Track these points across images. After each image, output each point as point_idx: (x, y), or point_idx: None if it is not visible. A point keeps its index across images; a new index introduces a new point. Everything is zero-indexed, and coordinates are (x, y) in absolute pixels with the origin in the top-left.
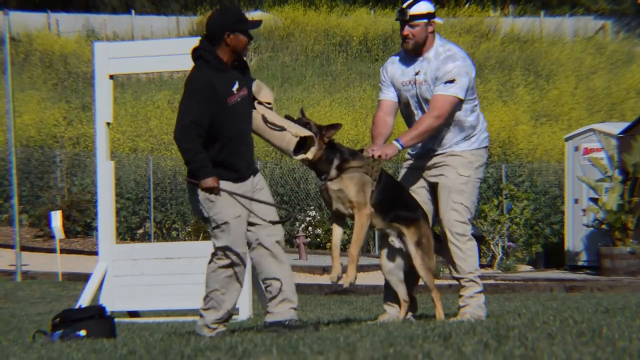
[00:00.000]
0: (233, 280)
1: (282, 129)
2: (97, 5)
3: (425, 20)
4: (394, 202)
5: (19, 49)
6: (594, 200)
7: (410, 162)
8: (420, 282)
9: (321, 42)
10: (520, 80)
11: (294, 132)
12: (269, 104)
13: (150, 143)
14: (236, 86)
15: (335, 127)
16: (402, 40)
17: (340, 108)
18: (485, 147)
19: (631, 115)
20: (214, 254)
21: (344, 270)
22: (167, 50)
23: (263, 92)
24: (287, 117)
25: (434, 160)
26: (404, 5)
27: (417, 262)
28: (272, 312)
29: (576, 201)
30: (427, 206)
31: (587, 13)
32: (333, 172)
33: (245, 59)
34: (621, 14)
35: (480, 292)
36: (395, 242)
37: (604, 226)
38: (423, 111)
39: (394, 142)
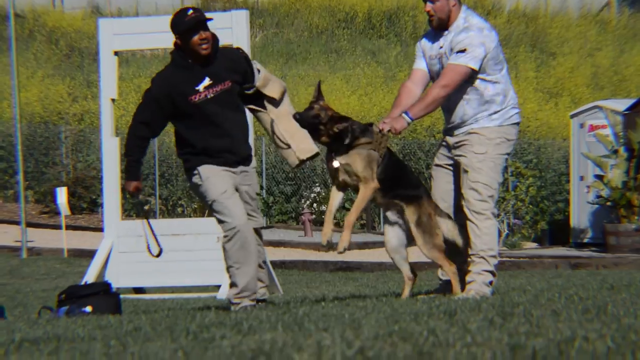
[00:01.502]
0: (244, 254)
1: (288, 146)
2: None
3: None
4: (396, 179)
5: (23, 25)
6: (600, 177)
7: (444, 139)
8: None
9: (325, 18)
10: (526, 57)
11: (298, 154)
12: (274, 99)
13: None
14: (204, 83)
15: (346, 120)
16: (427, 17)
17: (344, 84)
18: (513, 124)
19: (637, 92)
20: (223, 234)
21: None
22: None
23: (269, 85)
24: (296, 118)
25: (457, 138)
26: None
27: (419, 241)
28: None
29: (582, 178)
30: (450, 186)
31: None
32: (343, 149)
33: (244, 51)
34: None
35: (488, 270)
36: (391, 215)
37: (609, 203)
38: None
39: (403, 114)
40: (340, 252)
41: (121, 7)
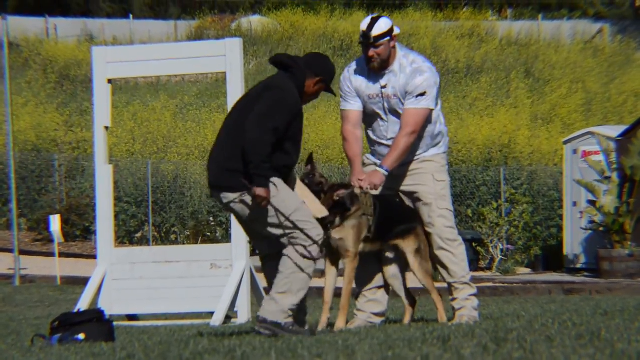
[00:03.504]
0: (312, 265)
1: (303, 205)
2: (95, 10)
3: (388, 38)
4: (391, 221)
5: (17, 54)
6: (592, 203)
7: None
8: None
9: (320, 46)
10: (518, 83)
11: (314, 212)
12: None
13: (149, 147)
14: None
15: (347, 187)
16: (366, 62)
17: (338, 111)
18: (447, 151)
19: (629, 118)
20: (299, 260)
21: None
22: (165, 54)
23: None
24: (304, 181)
25: (408, 167)
26: (364, 28)
27: (416, 267)
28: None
29: (575, 204)
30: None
31: (584, 16)
32: (337, 222)
33: None
34: (619, 18)
35: (474, 294)
36: (390, 255)
37: (602, 229)
38: (395, 119)
39: (379, 169)
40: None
41: (115, 35)
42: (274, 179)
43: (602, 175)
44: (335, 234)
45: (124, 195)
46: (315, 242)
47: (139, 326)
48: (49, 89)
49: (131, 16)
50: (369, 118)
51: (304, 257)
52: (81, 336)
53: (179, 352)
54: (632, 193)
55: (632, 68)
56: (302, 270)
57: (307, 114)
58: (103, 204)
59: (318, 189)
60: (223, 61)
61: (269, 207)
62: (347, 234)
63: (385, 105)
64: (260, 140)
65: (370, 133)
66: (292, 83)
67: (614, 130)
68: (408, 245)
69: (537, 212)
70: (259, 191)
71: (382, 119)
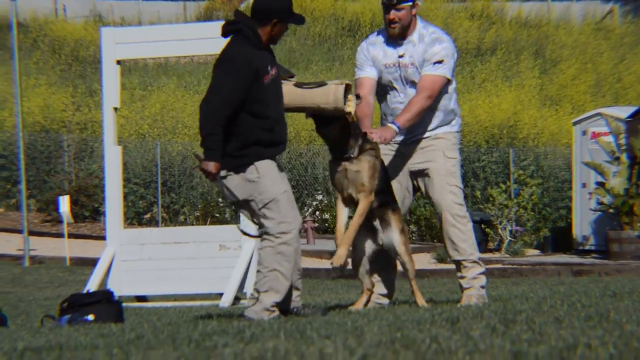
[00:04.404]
0: (291, 259)
1: (323, 83)
2: None
3: (410, 3)
4: (385, 187)
5: (26, 34)
6: (602, 185)
7: (395, 147)
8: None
9: (329, 27)
10: (528, 64)
11: (336, 83)
12: (292, 75)
13: (157, 128)
14: (270, 66)
15: (357, 97)
16: (387, 25)
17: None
18: (460, 131)
19: (638, 99)
20: (269, 235)
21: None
22: (174, 35)
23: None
24: (297, 85)
25: (419, 145)
26: None
27: (402, 248)
28: None
29: (584, 185)
30: (406, 193)
31: None
32: (356, 152)
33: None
34: None
35: (482, 273)
36: (379, 225)
37: (611, 210)
38: (412, 91)
39: (391, 124)
40: (336, 268)
41: (124, 16)
42: (260, 163)
43: (612, 156)
44: (352, 166)
45: (133, 176)
46: (283, 241)
47: (148, 307)
48: (57, 70)
49: None
50: (383, 90)
51: (277, 253)
52: (90, 317)
53: (188, 333)
54: None
55: None
56: (276, 269)
57: None
58: (112, 185)
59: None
60: None
61: (248, 194)
62: (363, 167)
63: (402, 74)
64: (205, 114)
65: (383, 106)
66: (242, 45)
67: (624, 112)
68: (395, 222)
69: (546, 194)
70: (204, 165)
71: (397, 89)
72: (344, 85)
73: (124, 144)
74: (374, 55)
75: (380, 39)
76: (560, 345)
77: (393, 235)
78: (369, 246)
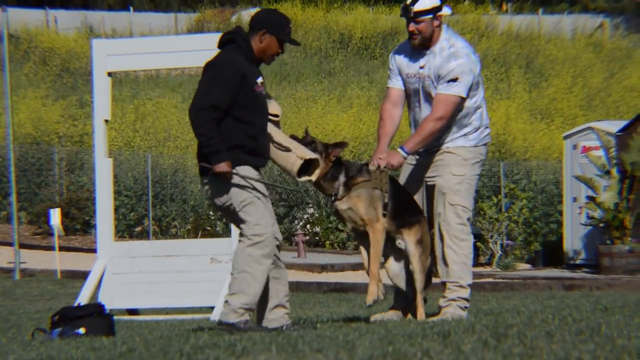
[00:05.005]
0: (263, 263)
1: (288, 149)
2: (95, 2)
3: (431, 16)
4: (402, 208)
5: (17, 46)
6: (592, 199)
7: (414, 158)
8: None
9: (320, 39)
10: (518, 77)
11: (299, 154)
12: (276, 116)
13: (148, 140)
14: (260, 79)
15: (342, 145)
16: (408, 36)
17: (337, 105)
18: (485, 144)
19: (629, 113)
20: (245, 236)
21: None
22: (165, 47)
23: (271, 104)
24: (292, 137)
25: (433, 157)
26: (408, 2)
27: (415, 259)
28: (265, 317)
29: (575, 199)
30: (424, 207)
31: (585, 11)
32: (341, 191)
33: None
34: (620, 12)
35: (465, 298)
36: (402, 244)
37: (602, 224)
38: (427, 105)
39: (399, 149)
40: (370, 306)
41: (115, 27)
42: (241, 168)
43: (602, 170)
44: (342, 204)
45: (124, 188)
46: (254, 242)
47: (139, 320)
48: (48, 81)
49: (131, 8)
50: (409, 99)
51: (248, 255)
52: (81, 330)
53: (180, 347)
54: (632, 189)
55: (633, 63)
56: (246, 270)
57: (305, 108)
58: (103, 197)
59: (311, 148)
60: None
61: (228, 197)
62: (354, 202)
63: (421, 85)
64: (197, 120)
65: (410, 114)
66: (233, 53)
67: (614, 126)
68: (410, 235)
69: (537, 208)
70: (218, 167)
71: (419, 100)
72: (301, 161)
73: (115, 156)
74: (399, 64)
75: (408, 47)
76: (552, 359)
77: (408, 246)
78: (400, 260)
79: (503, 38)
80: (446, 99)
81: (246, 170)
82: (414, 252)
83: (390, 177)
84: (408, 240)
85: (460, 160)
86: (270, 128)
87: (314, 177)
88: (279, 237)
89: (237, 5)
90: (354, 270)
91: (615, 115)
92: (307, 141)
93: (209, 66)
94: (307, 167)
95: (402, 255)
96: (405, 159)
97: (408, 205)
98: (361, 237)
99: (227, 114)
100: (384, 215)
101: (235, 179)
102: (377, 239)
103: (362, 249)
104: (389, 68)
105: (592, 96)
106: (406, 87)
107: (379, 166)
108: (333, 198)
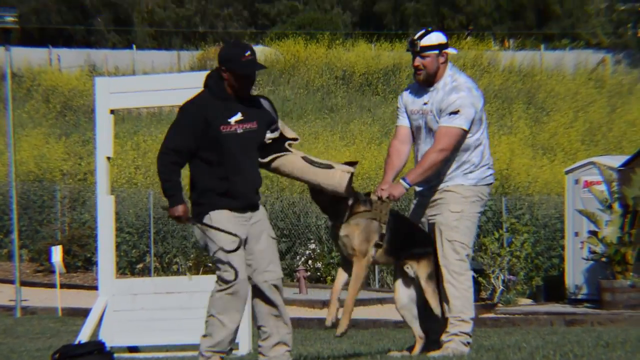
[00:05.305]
0: (231, 307)
1: (330, 166)
2: (98, 41)
3: (436, 52)
4: (406, 241)
5: (20, 84)
6: (594, 233)
7: (417, 198)
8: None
9: (322, 76)
10: (520, 113)
11: (343, 169)
12: (296, 139)
13: (150, 177)
14: (237, 117)
15: (354, 164)
16: (414, 71)
17: (340, 142)
18: (487, 185)
19: (630, 148)
20: (216, 281)
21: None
22: (167, 84)
23: (287, 130)
24: (305, 159)
25: (432, 197)
26: (415, 37)
27: (429, 294)
28: (267, 355)
29: (576, 234)
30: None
31: (587, 47)
32: (346, 216)
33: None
34: (622, 47)
35: (467, 332)
36: (410, 270)
37: (603, 259)
38: (429, 140)
39: (401, 181)
40: (337, 336)
41: (118, 65)
42: (214, 213)
43: (604, 204)
44: (342, 230)
45: (126, 225)
46: (224, 288)
47: (139, 358)
48: (51, 118)
49: (134, 47)
50: (414, 135)
51: (217, 299)
52: None
53: None
54: (634, 223)
55: (635, 98)
56: (214, 315)
57: (308, 144)
58: (104, 234)
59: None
60: None
61: (204, 242)
62: (351, 231)
63: (423, 122)
64: (159, 163)
65: (415, 151)
66: (200, 96)
67: (616, 160)
68: (420, 269)
69: (539, 242)
70: (171, 211)
71: (422, 136)
72: (349, 175)
73: (117, 193)
74: (405, 102)
75: (415, 86)
76: None
77: (421, 282)
78: (410, 291)
79: (505, 74)
80: (448, 132)
81: (220, 215)
82: (426, 287)
83: (393, 210)
84: (419, 275)
85: (459, 197)
86: (299, 153)
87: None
88: (273, 277)
89: None
90: (355, 307)
91: (617, 150)
92: (325, 164)
93: (179, 109)
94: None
95: (409, 284)
96: (407, 190)
97: (414, 238)
98: (349, 265)
99: (195, 156)
100: (380, 246)
101: (219, 223)
102: (358, 273)
103: (340, 272)
104: (397, 107)
105: (594, 131)
106: (411, 125)
107: (380, 197)
108: (336, 220)
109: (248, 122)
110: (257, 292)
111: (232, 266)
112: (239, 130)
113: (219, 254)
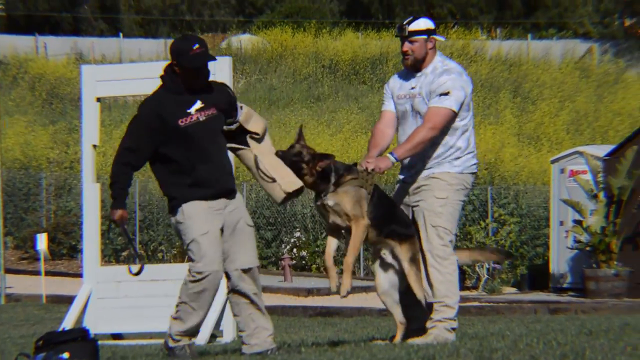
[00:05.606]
0: (202, 297)
1: (273, 180)
2: (85, 29)
3: (425, 37)
4: (388, 217)
5: (6, 72)
6: (579, 223)
7: (399, 184)
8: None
9: (309, 65)
10: (507, 102)
11: (283, 187)
12: (257, 134)
13: None
14: (196, 105)
15: (328, 157)
16: (402, 56)
17: (326, 130)
18: (472, 173)
19: (616, 138)
20: (188, 270)
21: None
22: (154, 72)
23: (252, 121)
24: (279, 153)
25: (417, 183)
26: (404, 22)
27: (412, 278)
28: (249, 343)
29: (561, 223)
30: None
31: (574, 36)
32: (331, 189)
33: (221, 79)
34: (609, 37)
35: (451, 318)
36: (388, 256)
37: (588, 248)
38: (416, 123)
39: (388, 155)
40: (344, 296)
41: (105, 53)
42: (186, 206)
43: (590, 194)
44: (329, 200)
45: None
46: (195, 279)
47: (123, 345)
48: (37, 106)
49: (121, 35)
50: (399, 121)
51: (188, 288)
52: (65, 355)
53: None
54: (619, 213)
55: (621, 87)
56: (186, 302)
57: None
58: (90, 222)
59: (297, 159)
60: (212, 79)
61: (179, 235)
62: (341, 198)
63: (410, 105)
64: (113, 164)
65: (399, 137)
66: (155, 93)
67: (602, 150)
68: (403, 252)
69: (524, 232)
70: (111, 213)
71: (408, 121)
72: (285, 195)
73: (102, 181)
74: (392, 88)
75: (403, 72)
76: None
77: (403, 264)
78: (391, 276)
79: (492, 63)
80: (438, 111)
81: (193, 206)
82: (408, 270)
83: (377, 185)
84: (401, 257)
85: (445, 184)
86: (259, 149)
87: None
88: (245, 265)
89: (227, 31)
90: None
91: (603, 139)
92: (294, 152)
93: (138, 108)
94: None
95: (390, 270)
96: (393, 164)
97: (395, 217)
98: (335, 232)
99: (158, 155)
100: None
101: (192, 214)
102: (359, 233)
103: (330, 239)
104: (384, 92)
105: (580, 120)
106: (397, 110)
107: (366, 169)
108: (323, 195)
109: (208, 108)
110: (229, 280)
111: (204, 256)
112: (202, 118)
113: (192, 245)
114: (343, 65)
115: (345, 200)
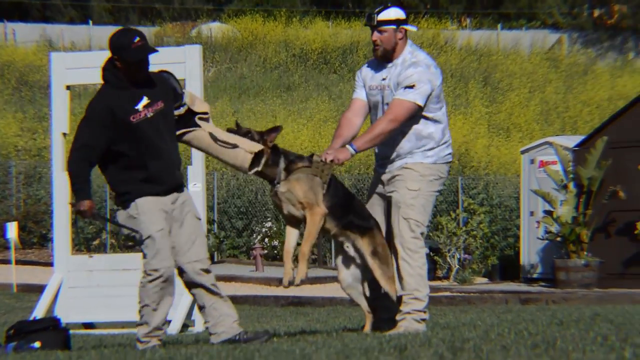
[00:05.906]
0: (163, 294)
1: (235, 146)
2: (54, 16)
3: (394, 27)
4: (346, 208)
5: None
6: (549, 213)
7: (376, 172)
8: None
9: (280, 54)
10: (477, 92)
11: (247, 149)
12: (206, 113)
13: None
14: (143, 102)
15: (277, 129)
16: (372, 46)
17: (297, 119)
18: (446, 163)
19: (585, 128)
20: (144, 271)
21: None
22: None
23: (197, 103)
24: (229, 130)
25: (391, 173)
26: (374, 11)
27: (377, 272)
28: (216, 332)
29: (532, 214)
30: (384, 219)
31: (543, 27)
32: (282, 176)
33: (168, 71)
34: (578, 28)
35: (421, 310)
36: (350, 249)
37: (558, 239)
38: None
39: (348, 146)
40: (298, 285)
41: (74, 41)
42: (140, 201)
43: (559, 184)
44: (281, 187)
45: None
46: (151, 278)
47: (95, 334)
48: (6, 94)
49: (91, 22)
50: (371, 111)
51: (144, 288)
52: (37, 344)
53: None
54: (589, 203)
55: (590, 78)
56: (147, 304)
57: (265, 122)
58: (60, 211)
59: (249, 136)
60: (182, 68)
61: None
62: (293, 185)
63: (381, 97)
64: (69, 160)
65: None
66: (102, 90)
67: (571, 141)
68: (364, 245)
69: (495, 222)
70: (77, 205)
71: (378, 112)
72: (252, 155)
73: None
74: (364, 77)
75: (375, 62)
76: None
77: (366, 258)
78: (354, 270)
79: (462, 53)
80: (401, 104)
81: (145, 201)
82: (372, 264)
83: (334, 176)
84: (364, 250)
85: (417, 175)
86: (211, 127)
87: (261, 167)
88: (195, 258)
89: (197, 19)
90: (311, 284)
91: (572, 130)
92: (243, 132)
93: (86, 107)
94: (254, 160)
95: (352, 264)
96: (352, 155)
97: (354, 209)
98: (293, 223)
99: (109, 152)
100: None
101: (145, 211)
102: (314, 221)
103: (288, 232)
104: (355, 80)
105: (550, 111)
106: (369, 101)
107: (325, 160)
108: (276, 182)
109: (155, 103)
110: (184, 274)
111: (158, 253)
112: (149, 114)
113: (148, 241)
114: (313, 54)
115: (297, 187)
